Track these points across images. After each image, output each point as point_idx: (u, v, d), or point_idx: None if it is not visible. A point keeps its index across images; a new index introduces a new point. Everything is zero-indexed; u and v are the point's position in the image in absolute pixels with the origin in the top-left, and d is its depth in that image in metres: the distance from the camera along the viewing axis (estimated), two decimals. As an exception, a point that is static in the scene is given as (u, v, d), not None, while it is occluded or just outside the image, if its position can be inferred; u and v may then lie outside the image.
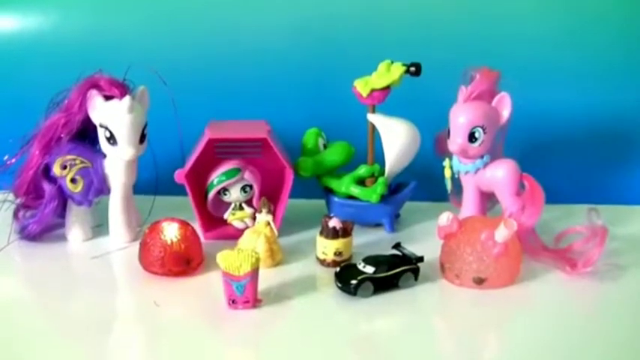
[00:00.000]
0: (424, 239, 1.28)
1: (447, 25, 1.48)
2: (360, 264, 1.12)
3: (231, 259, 1.03)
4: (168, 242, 1.13)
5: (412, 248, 1.17)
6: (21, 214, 1.28)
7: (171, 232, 1.14)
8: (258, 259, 1.04)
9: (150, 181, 1.33)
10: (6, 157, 1.29)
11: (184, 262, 1.14)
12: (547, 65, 1.46)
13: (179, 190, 1.27)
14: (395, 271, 1.10)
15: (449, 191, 1.33)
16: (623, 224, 1.34)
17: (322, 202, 1.37)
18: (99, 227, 1.31)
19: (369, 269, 1.10)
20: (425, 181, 1.34)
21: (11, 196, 1.29)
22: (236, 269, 1.03)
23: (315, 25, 1.49)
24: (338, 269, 1.12)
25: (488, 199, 1.31)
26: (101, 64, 1.24)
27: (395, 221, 1.35)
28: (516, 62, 1.42)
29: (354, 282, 1.08)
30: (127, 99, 1.18)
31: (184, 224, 1.17)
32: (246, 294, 1.04)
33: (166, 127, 1.28)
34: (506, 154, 1.29)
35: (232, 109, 1.47)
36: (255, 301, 1.05)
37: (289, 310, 1.06)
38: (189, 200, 1.28)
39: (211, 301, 1.08)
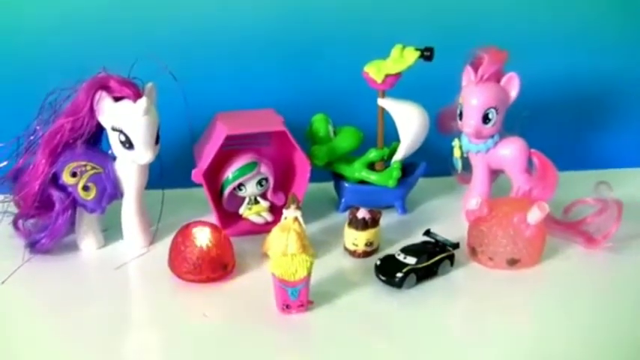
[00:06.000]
0: (438, 219, 1.31)
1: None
2: (398, 255, 1.12)
3: (285, 266, 1.01)
4: (205, 248, 1.09)
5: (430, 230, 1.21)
6: (20, 223, 1.20)
7: (204, 237, 1.10)
8: (312, 263, 1.03)
9: (152, 175, 1.24)
10: (5, 163, 1.19)
11: (222, 267, 1.11)
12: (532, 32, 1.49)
13: (184, 182, 1.22)
14: (435, 259, 1.12)
15: (459, 171, 1.35)
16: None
17: (322, 184, 1.38)
18: (106, 232, 1.24)
19: (411, 260, 1.11)
20: (423, 158, 1.35)
21: (12, 206, 1.20)
22: (291, 275, 1.01)
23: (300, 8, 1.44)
24: (378, 262, 1.13)
25: (494, 177, 1.35)
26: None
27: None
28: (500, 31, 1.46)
29: (399, 275, 1.09)
30: (143, 101, 1.11)
31: (215, 228, 1.13)
32: (300, 298, 1.03)
33: (167, 115, 1.20)
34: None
35: (229, 95, 1.44)
36: (307, 304, 1.04)
37: (338, 308, 1.06)
38: (197, 192, 1.25)
39: (258, 305, 1.06)
